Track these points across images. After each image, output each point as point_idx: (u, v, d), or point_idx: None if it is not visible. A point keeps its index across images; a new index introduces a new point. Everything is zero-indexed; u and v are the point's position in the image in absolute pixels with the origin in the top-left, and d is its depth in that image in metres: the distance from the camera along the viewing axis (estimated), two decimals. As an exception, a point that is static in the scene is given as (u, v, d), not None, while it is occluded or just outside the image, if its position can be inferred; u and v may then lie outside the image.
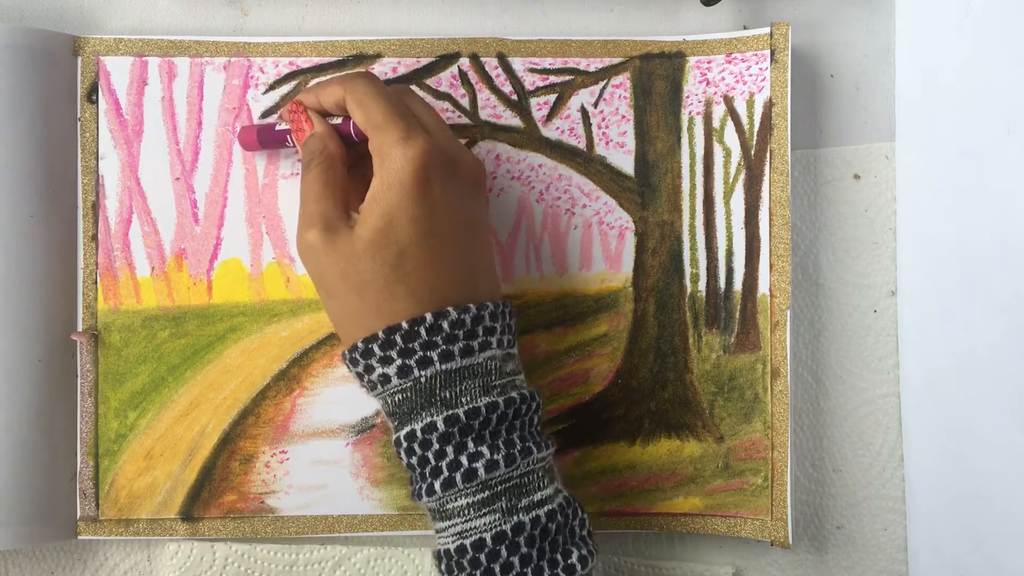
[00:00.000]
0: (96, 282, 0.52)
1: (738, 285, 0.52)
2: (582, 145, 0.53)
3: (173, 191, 0.52)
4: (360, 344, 0.43)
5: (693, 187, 0.53)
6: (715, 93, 0.53)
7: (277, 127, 0.49)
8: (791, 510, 0.51)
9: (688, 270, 0.53)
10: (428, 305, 0.43)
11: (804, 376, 0.54)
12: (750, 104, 0.52)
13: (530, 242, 0.53)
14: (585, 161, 0.53)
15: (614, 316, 0.53)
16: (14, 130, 0.50)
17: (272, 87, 0.52)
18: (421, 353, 0.42)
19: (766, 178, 0.52)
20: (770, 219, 0.52)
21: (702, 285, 0.53)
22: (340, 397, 0.52)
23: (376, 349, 0.43)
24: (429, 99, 0.52)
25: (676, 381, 0.53)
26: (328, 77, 0.48)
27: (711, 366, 0.52)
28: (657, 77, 0.53)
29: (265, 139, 0.50)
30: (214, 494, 0.52)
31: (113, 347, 0.52)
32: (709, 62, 0.53)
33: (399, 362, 0.43)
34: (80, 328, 0.51)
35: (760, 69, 0.52)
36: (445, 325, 0.43)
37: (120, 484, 0.51)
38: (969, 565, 0.50)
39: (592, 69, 0.53)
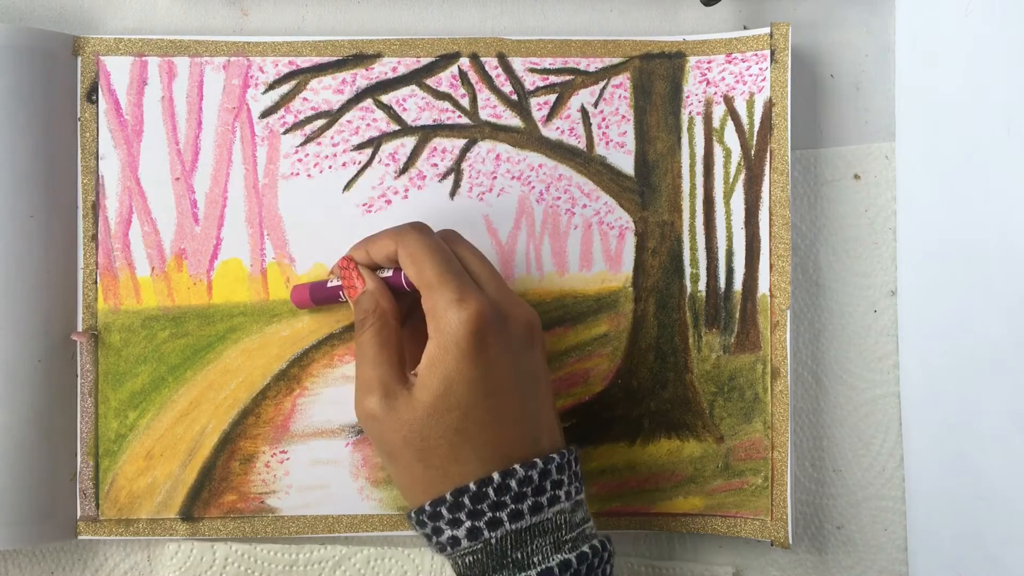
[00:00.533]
0: (96, 282, 0.52)
1: (738, 285, 0.52)
2: (582, 145, 0.53)
3: (173, 191, 0.52)
4: (428, 507, 0.43)
5: (693, 187, 0.53)
6: (715, 93, 0.53)
7: (329, 284, 0.49)
8: (791, 510, 0.51)
9: (688, 270, 0.53)
10: (493, 464, 0.43)
11: (804, 376, 0.54)
12: (750, 104, 0.52)
13: (530, 242, 0.53)
14: (585, 161, 0.53)
15: (614, 316, 0.53)
16: (14, 130, 0.50)
17: (272, 87, 0.52)
18: (490, 514, 0.42)
19: (766, 178, 0.52)
20: (770, 219, 0.52)
21: (702, 285, 0.53)
22: (340, 397, 0.52)
23: (444, 512, 0.43)
24: (430, 100, 0.52)
25: (676, 381, 0.53)
26: (379, 232, 0.47)
27: (711, 366, 0.52)
28: (657, 77, 0.53)
29: (318, 297, 0.50)
30: (214, 494, 0.52)
31: (113, 347, 0.52)
32: (709, 62, 0.53)
33: (468, 524, 0.42)
34: (80, 328, 0.51)
35: (760, 69, 0.52)
36: (513, 484, 0.42)
37: (120, 484, 0.51)
38: (969, 565, 0.50)
39: (592, 69, 0.53)
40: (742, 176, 0.52)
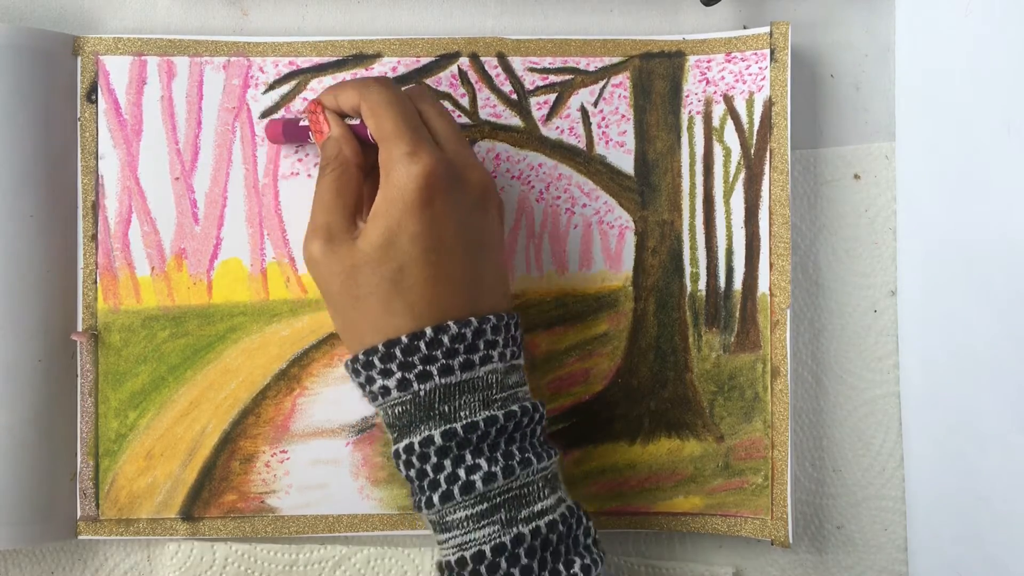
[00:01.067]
0: (96, 282, 0.52)
1: (738, 284, 0.52)
2: (582, 144, 0.53)
3: (173, 191, 0.52)
4: (361, 356, 0.44)
5: (693, 186, 0.53)
6: (715, 92, 0.53)
7: (301, 122, 0.50)
8: (791, 510, 0.51)
9: (688, 269, 0.53)
10: (427, 320, 0.43)
11: (804, 376, 0.54)
12: (750, 103, 0.52)
13: (530, 241, 0.53)
14: (585, 160, 0.53)
15: (614, 315, 0.53)
16: (14, 130, 0.50)
17: (272, 87, 0.52)
18: (421, 367, 0.43)
19: (766, 177, 0.52)
20: (770, 218, 0.52)
21: (702, 284, 0.53)
22: (340, 397, 0.52)
23: (376, 362, 0.43)
24: (429, 99, 0.52)
25: (676, 380, 0.53)
26: (347, 79, 0.48)
27: (711, 365, 0.52)
28: (657, 76, 0.53)
29: (290, 133, 0.50)
30: (214, 494, 0.52)
31: (113, 347, 0.52)
32: (709, 61, 0.53)
33: (399, 375, 0.43)
34: (80, 328, 0.51)
35: (760, 68, 0.52)
36: (445, 339, 0.43)
37: (120, 484, 0.51)
38: (969, 565, 0.50)
39: (592, 68, 0.53)
40: (742, 175, 0.52)
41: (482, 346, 0.43)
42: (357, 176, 0.46)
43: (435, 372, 0.43)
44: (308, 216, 0.44)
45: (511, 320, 0.45)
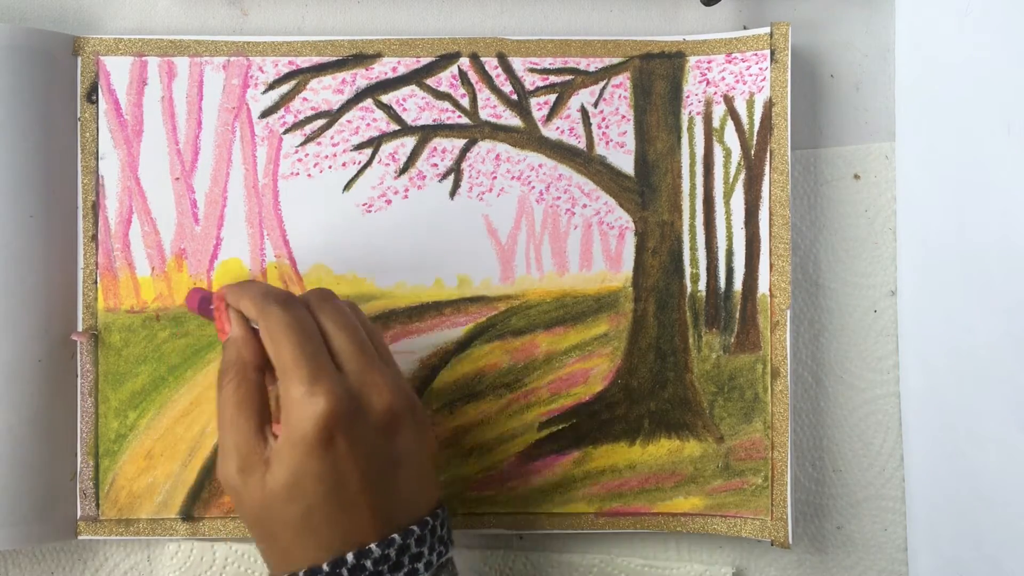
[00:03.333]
0: (96, 282, 0.52)
1: (738, 285, 0.52)
2: (582, 145, 0.53)
3: (173, 191, 0.52)
4: None
5: (693, 187, 0.53)
6: (715, 93, 0.53)
7: (212, 306, 0.47)
8: (791, 510, 0.51)
9: (688, 270, 0.53)
10: (342, 549, 0.41)
11: (804, 376, 0.54)
12: (750, 104, 0.52)
13: (530, 242, 0.53)
14: (585, 161, 0.53)
15: (614, 316, 0.53)
16: (14, 130, 0.50)
17: (271, 87, 0.52)
18: None
19: (766, 178, 0.52)
20: (770, 219, 0.52)
21: (702, 285, 0.53)
22: (340, 397, 0.52)
23: None
24: (430, 100, 0.52)
25: (676, 381, 0.53)
26: (249, 287, 0.45)
27: (711, 366, 0.52)
28: (657, 77, 0.53)
29: (204, 311, 0.49)
30: (214, 494, 0.52)
31: (113, 347, 0.52)
32: (709, 62, 0.53)
33: None
34: (80, 328, 0.51)
35: (760, 69, 0.52)
36: (368, 564, 0.41)
37: (120, 484, 0.51)
38: (969, 565, 0.50)
39: (592, 69, 0.53)
40: (742, 176, 0.52)
41: (407, 561, 0.42)
42: (258, 381, 0.44)
43: None
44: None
45: (436, 521, 0.44)
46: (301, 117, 0.52)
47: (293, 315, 0.43)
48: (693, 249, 0.53)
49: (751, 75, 0.52)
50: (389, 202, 0.52)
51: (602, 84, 0.53)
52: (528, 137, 0.53)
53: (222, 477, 0.43)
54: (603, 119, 0.53)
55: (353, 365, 0.43)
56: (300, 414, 0.41)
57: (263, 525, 0.42)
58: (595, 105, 0.53)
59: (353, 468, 0.42)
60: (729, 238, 0.52)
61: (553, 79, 0.53)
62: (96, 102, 0.52)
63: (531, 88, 0.53)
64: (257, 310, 0.44)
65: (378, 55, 0.52)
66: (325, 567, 0.41)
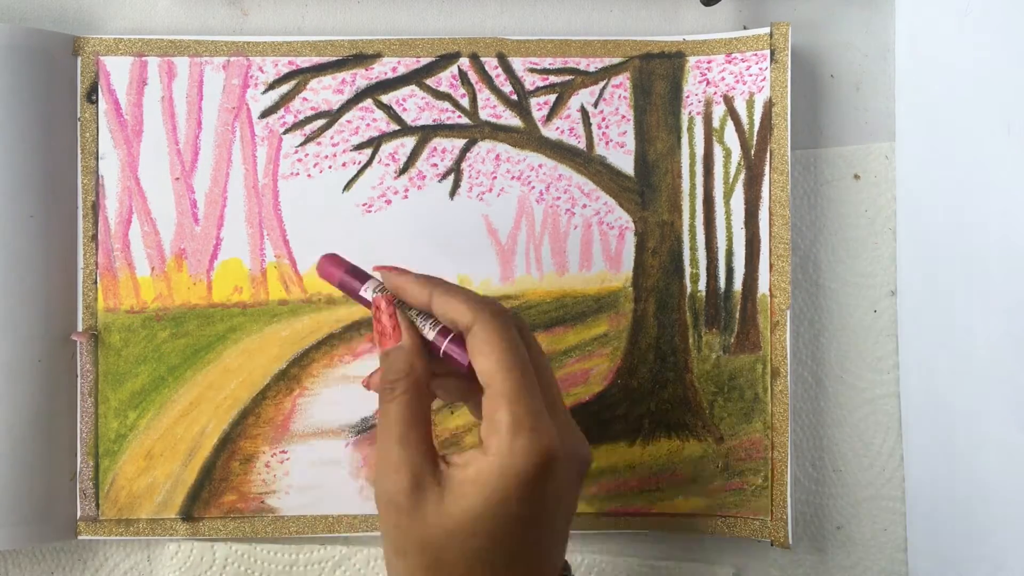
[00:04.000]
0: (96, 282, 0.52)
1: (738, 285, 0.52)
2: (582, 145, 0.53)
3: (173, 191, 0.52)
4: None
5: (693, 187, 0.53)
6: (715, 93, 0.53)
7: (362, 291, 0.43)
8: (791, 510, 0.51)
9: (688, 270, 0.53)
10: None
11: (804, 376, 0.54)
12: (750, 104, 0.52)
13: (530, 242, 0.53)
14: (585, 161, 0.53)
15: (614, 316, 0.53)
16: (14, 130, 0.50)
17: (272, 87, 0.52)
18: None
19: (766, 178, 0.52)
20: (770, 219, 0.52)
21: (702, 285, 0.53)
22: (340, 397, 0.52)
23: None
24: (430, 100, 0.52)
25: (676, 381, 0.53)
26: (454, 290, 0.41)
27: (711, 366, 0.52)
28: (657, 77, 0.53)
29: (346, 289, 0.43)
30: (214, 494, 0.52)
31: (113, 347, 0.52)
32: (709, 62, 0.53)
33: None
34: (80, 328, 0.51)
35: (760, 69, 0.52)
36: None
37: (120, 484, 0.51)
38: (969, 565, 0.50)
39: (592, 69, 0.53)
40: (742, 176, 0.52)
41: None
42: (429, 398, 0.41)
43: None
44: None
45: (567, 572, 0.42)
46: (301, 117, 0.52)
47: (513, 333, 0.40)
48: (693, 249, 0.53)
49: (751, 75, 0.52)
50: (389, 202, 0.52)
51: (602, 84, 0.53)
52: (528, 137, 0.53)
53: (385, 494, 0.39)
54: (603, 119, 0.53)
55: (560, 411, 0.41)
56: (519, 447, 0.38)
57: (425, 554, 0.38)
58: (595, 105, 0.53)
59: (549, 512, 0.39)
60: (729, 238, 0.52)
61: (553, 79, 0.53)
62: (96, 102, 0.52)
63: (531, 88, 0.53)
64: (473, 316, 0.40)
65: (378, 55, 0.52)
66: None
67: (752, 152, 0.52)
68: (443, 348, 0.41)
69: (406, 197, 0.53)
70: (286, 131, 0.52)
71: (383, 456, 0.39)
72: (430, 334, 0.41)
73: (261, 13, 0.54)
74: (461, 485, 0.38)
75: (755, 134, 0.52)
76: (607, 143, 0.53)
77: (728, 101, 0.52)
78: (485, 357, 0.39)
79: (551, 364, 0.52)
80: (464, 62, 0.53)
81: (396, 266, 0.43)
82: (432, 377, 0.42)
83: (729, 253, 0.52)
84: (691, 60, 0.53)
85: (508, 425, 0.38)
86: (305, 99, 0.52)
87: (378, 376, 0.42)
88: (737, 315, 0.52)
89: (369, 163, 0.52)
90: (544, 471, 0.38)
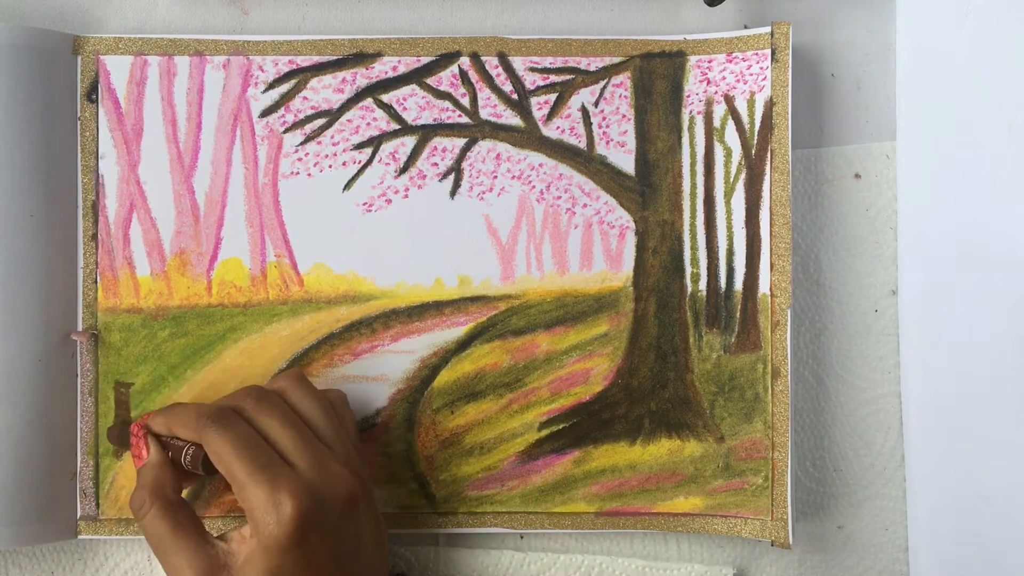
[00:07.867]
0: (96, 282, 0.52)
1: (739, 285, 0.52)
2: (582, 144, 0.53)
3: (173, 191, 0.52)
4: None
5: (694, 186, 0.53)
6: (716, 92, 0.53)
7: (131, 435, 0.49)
8: (791, 510, 0.51)
9: (689, 269, 0.53)
10: None
11: (805, 376, 0.54)
12: (751, 103, 0.52)
13: (530, 242, 0.53)
14: (585, 160, 0.53)
15: (614, 316, 0.53)
16: (14, 130, 0.49)
17: (272, 86, 0.52)
18: None
19: (767, 177, 0.52)
20: (771, 218, 0.52)
21: (703, 285, 0.53)
22: (340, 397, 0.52)
23: None
24: (430, 99, 0.52)
25: (676, 381, 0.53)
26: (182, 410, 0.47)
27: (712, 366, 0.52)
28: (658, 76, 0.53)
29: (122, 441, 0.50)
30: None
31: (113, 347, 0.51)
32: (710, 61, 0.53)
33: None
34: (80, 328, 0.51)
35: (761, 68, 0.52)
36: None
37: (120, 484, 0.51)
38: (970, 565, 0.50)
39: (592, 68, 0.53)
40: (743, 175, 0.52)
41: None
42: (178, 500, 0.46)
43: None
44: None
45: None
46: (301, 116, 0.52)
47: (234, 432, 0.44)
48: (694, 249, 0.53)
49: (752, 74, 0.52)
50: (389, 201, 0.52)
51: (602, 83, 0.53)
52: (528, 136, 0.53)
53: None
54: (603, 118, 0.53)
55: (305, 462, 0.44)
56: (268, 520, 0.42)
57: None
58: (595, 104, 0.53)
59: (327, 558, 0.43)
60: (730, 238, 0.52)
61: (553, 78, 0.53)
62: (96, 101, 0.52)
63: (531, 87, 0.53)
64: (196, 434, 0.45)
65: (378, 54, 0.52)
66: None
67: (753, 151, 0.52)
68: (186, 462, 0.46)
69: (406, 196, 0.52)
70: (286, 130, 0.52)
71: (168, 568, 0.45)
72: (190, 450, 0.46)
73: (261, 12, 0.54)
74: (243, 568, 0.43)
75: (756, 133, 0.52)
76: (608, 142, 0.53)
77: (729, 100, 0.52)
78: (218, 461, 0.44)
79: (551, 364, 0.52)
80: (465, 61, 0.53)
81: (156, 410, 0.48)
82: (210, 479, 0.47)
83: (730, 252, 0.52)
84: (692, 59, 0.53)
85: (250, 510, 0.43)
86: (305, 98, 0.52)
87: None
88: (738, 315, 0.52)
89: (369, 162, 0.52)
90: (299, 530, 0.42)
